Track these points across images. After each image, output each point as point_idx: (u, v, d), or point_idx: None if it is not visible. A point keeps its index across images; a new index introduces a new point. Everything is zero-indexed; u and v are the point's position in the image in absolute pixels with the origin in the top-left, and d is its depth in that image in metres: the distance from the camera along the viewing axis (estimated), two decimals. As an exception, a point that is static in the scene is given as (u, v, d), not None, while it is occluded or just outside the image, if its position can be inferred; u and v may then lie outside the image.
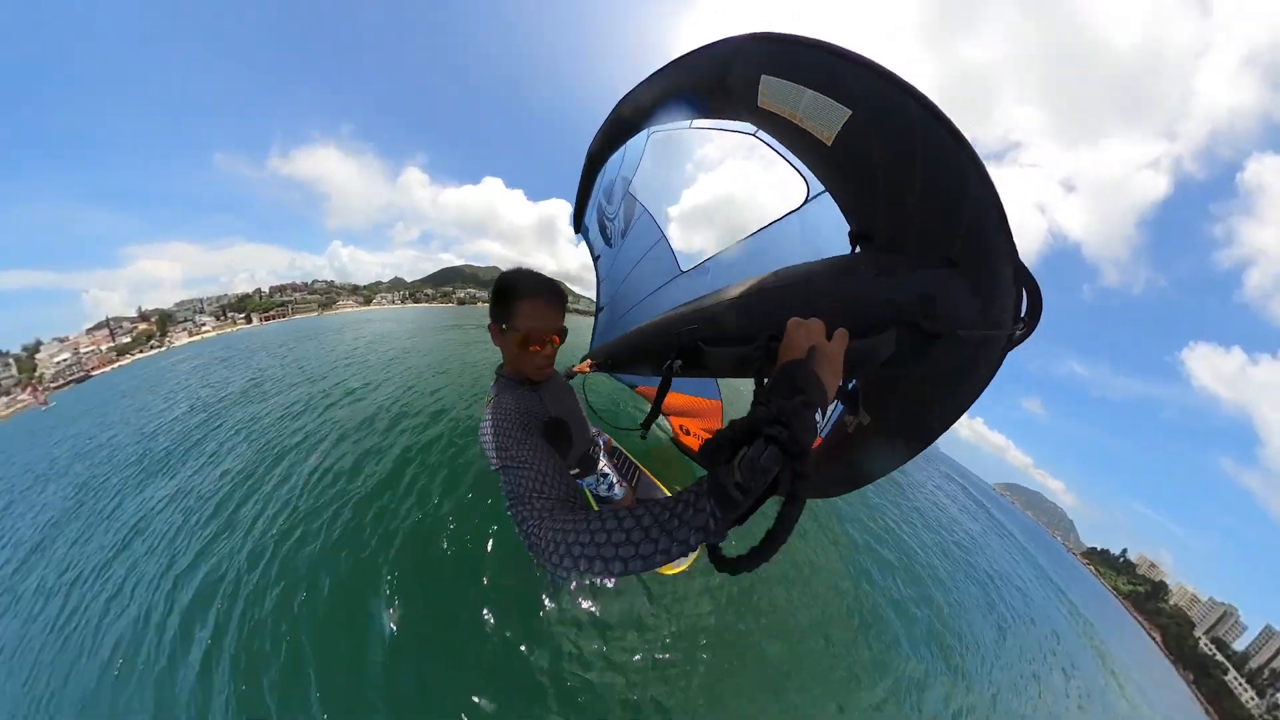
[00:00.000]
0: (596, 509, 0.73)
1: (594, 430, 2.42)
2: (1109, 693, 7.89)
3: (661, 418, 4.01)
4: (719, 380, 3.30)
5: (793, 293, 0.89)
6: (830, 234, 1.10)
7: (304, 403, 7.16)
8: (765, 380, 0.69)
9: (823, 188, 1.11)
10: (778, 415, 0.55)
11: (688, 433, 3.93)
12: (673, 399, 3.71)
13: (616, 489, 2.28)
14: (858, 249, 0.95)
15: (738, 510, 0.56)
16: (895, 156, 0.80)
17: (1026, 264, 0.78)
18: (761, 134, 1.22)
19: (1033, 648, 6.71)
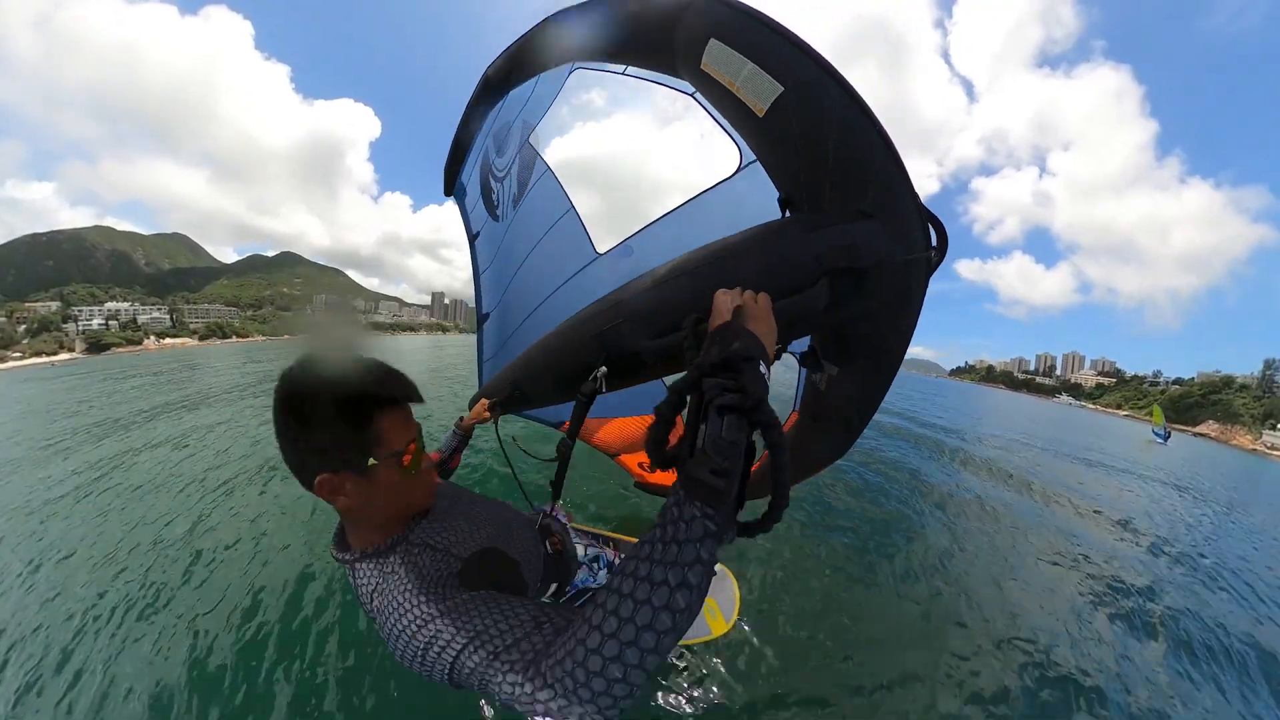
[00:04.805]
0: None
1: (538, 511, 1.58)
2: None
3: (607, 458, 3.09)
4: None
5: (719, 265, 0.91)
6: (763, 200, 1.12)
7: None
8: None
9: (754, 156, 1.15)
10: (718, 366, 0.54)
11: (652, 469, 3.05)
12: (615, 430, 2.82)
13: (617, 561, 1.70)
14: (786, 214, 1.02)
15: (728, 499, 0.50)
16: (815, 126, 0.88)
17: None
18: (699, 96, 1.20)
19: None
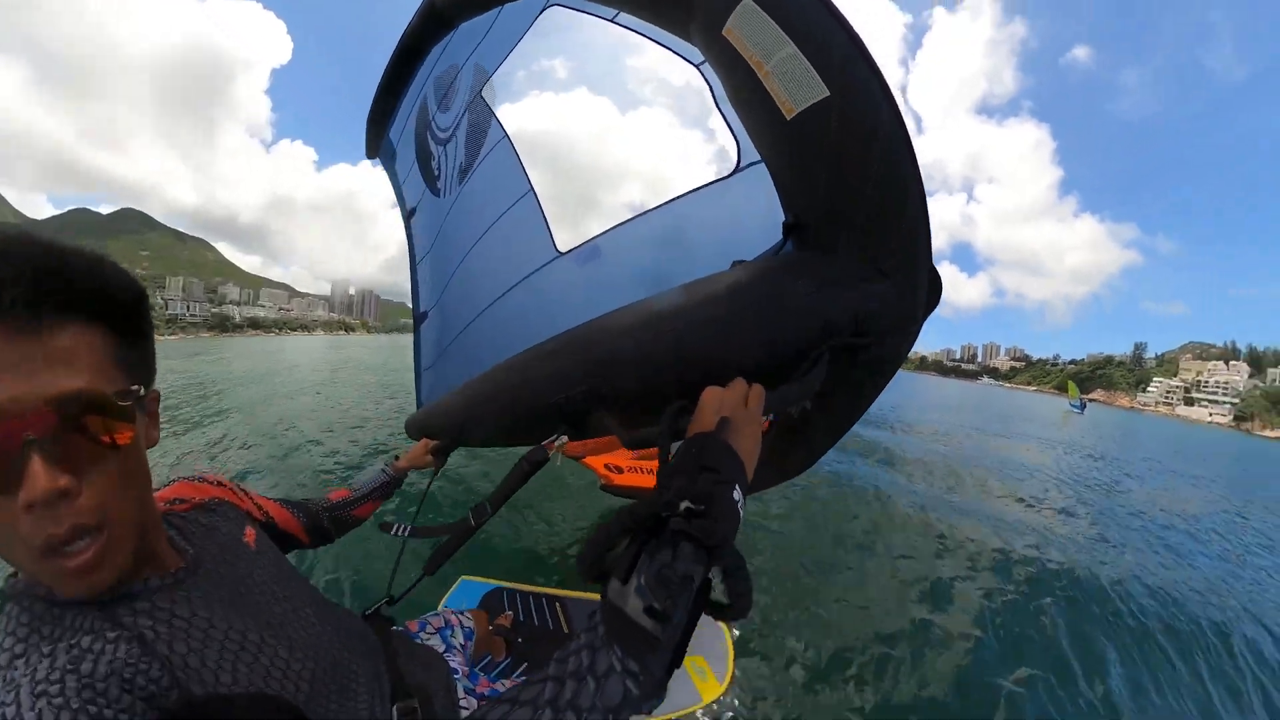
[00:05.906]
0: None
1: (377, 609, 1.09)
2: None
3: (572, 460, 2.73)
4: None
5: (713, 331, 0.78)
6: (760, 215, 0.97)
7: None
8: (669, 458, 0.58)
9: (758, 157, 0.96)
10: (684, 497, 0.45)
11: (619, 470, 2.85)
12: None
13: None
14: (789, 242, 0.91)
15: (663, 650, 0.39)
16: (854, 155, 0.74)
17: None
18: (706, 70, 1.00)
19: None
